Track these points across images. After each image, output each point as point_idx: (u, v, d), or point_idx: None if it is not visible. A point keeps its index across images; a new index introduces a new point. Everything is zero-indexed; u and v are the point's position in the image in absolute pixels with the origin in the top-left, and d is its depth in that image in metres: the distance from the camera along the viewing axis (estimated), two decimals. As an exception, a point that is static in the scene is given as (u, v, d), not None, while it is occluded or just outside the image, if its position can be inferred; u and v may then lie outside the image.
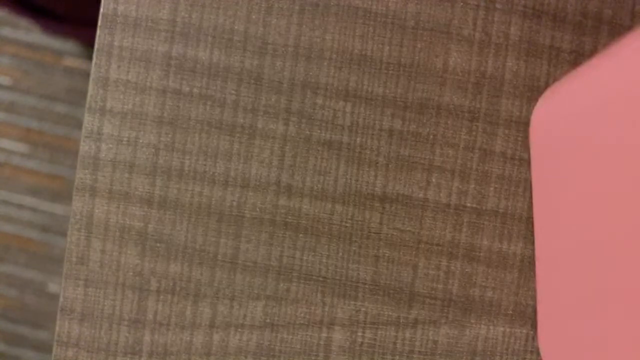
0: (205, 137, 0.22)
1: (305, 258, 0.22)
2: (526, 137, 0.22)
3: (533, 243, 0.22)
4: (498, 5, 0.22)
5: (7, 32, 0.88)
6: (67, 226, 0.88)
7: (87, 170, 0.23)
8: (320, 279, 0.22)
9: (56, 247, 0.88)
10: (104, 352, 0.22)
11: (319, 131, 0.22)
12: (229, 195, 0.22)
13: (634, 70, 0.14)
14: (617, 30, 0.22)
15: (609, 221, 0.16)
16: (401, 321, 0.22)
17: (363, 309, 0.22)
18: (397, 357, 0.22)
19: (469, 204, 0.22)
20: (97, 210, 0.23)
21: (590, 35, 0.22)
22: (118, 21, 0.22)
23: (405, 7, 0.22)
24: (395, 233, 0.22)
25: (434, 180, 0.22)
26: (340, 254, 0.22)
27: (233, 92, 0.22)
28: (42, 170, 0.88)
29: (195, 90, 0.22)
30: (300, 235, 0.22)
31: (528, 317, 0.22)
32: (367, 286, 0.22)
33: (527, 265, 0.22)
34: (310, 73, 0.22)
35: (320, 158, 0.22)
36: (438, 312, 0.22)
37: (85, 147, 0.23)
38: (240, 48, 0.22)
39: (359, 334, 0.22)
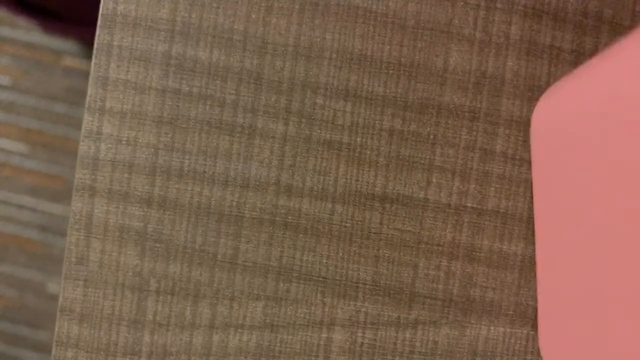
0: (205, 137, 0.22)
1: (305, 258, 0.22)
2: (527, 137, 0.22)
3: (534, 243, 0.22)
4: (498, 5, 0.22)
5: (6, 31, 0.88)
6: (66, 226, 0.88)
7: (86, 170, 0.22)
8: (320, 279, 0.22)
9: (56, 247, 0.88)
10: (103, 352, 0.22)
11: (319, 131, 0.22)
12: (229, 195, 0.22)
13: (634, 70, 0.14)
14: (617, 30, 0.22)
15: (610, 221, 0.15)
16: (401, 321, 0.22)
17: (363, 310, 0.22)
18: (398, 358, 0.22)
19: (469, 204, 0.22)
20: (96, 211, 0.22)
21: (590, 35, 0.22)
22: (118, 21, 0.22)
23: (406, 7, 0.22)
24: (395, 233, 0.22)
25: (434, 180, 0.22)
26: (341, 254, 0.22)
27: (233, 91, 0.22)
28: (42, 170, 0.88)
29: (194, 90, 0.22)
30: (300, 235, 0.22)
31: (529, 317, 0.22)
32: (367, 286, 0.22)
33: (528, 265, 0.22)
34: (310, 73, 0.22)
35: (320, 158, 0.22)
36: (438, 312, 0.22)
37: (84, 147, 0.22)
38: (240, 48, 0.22)
39: (359, 334, 0.22)
